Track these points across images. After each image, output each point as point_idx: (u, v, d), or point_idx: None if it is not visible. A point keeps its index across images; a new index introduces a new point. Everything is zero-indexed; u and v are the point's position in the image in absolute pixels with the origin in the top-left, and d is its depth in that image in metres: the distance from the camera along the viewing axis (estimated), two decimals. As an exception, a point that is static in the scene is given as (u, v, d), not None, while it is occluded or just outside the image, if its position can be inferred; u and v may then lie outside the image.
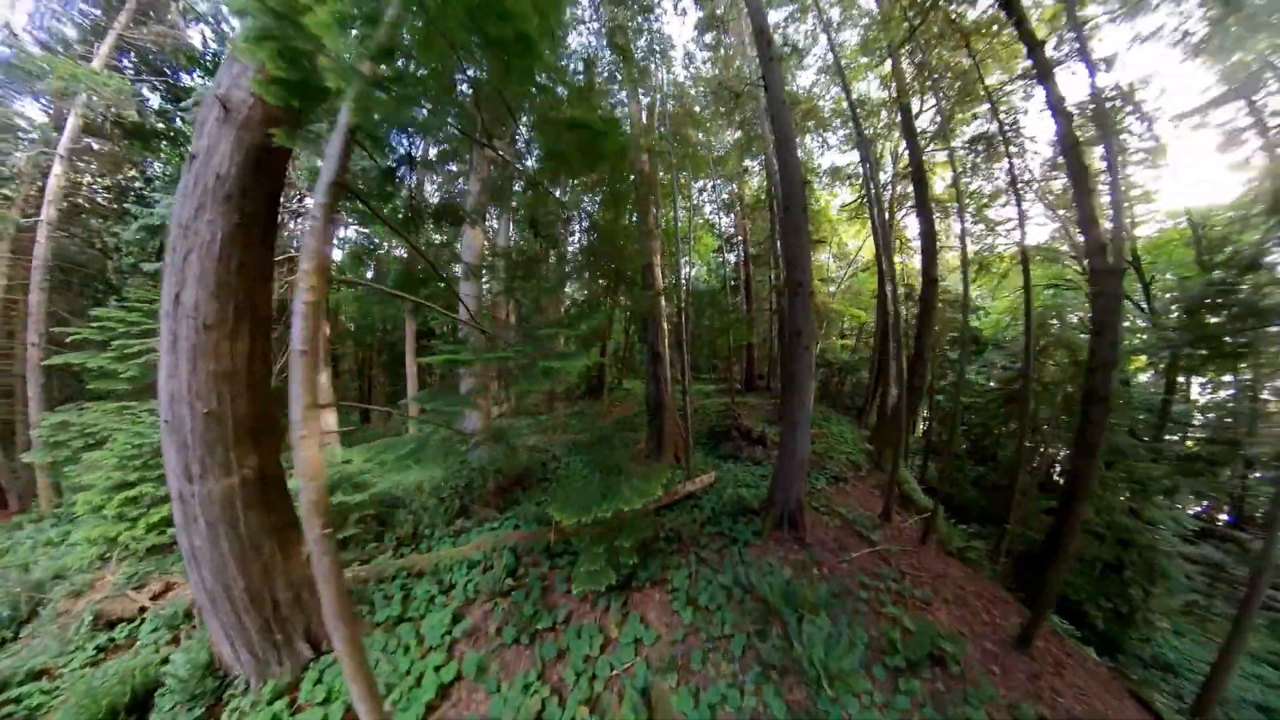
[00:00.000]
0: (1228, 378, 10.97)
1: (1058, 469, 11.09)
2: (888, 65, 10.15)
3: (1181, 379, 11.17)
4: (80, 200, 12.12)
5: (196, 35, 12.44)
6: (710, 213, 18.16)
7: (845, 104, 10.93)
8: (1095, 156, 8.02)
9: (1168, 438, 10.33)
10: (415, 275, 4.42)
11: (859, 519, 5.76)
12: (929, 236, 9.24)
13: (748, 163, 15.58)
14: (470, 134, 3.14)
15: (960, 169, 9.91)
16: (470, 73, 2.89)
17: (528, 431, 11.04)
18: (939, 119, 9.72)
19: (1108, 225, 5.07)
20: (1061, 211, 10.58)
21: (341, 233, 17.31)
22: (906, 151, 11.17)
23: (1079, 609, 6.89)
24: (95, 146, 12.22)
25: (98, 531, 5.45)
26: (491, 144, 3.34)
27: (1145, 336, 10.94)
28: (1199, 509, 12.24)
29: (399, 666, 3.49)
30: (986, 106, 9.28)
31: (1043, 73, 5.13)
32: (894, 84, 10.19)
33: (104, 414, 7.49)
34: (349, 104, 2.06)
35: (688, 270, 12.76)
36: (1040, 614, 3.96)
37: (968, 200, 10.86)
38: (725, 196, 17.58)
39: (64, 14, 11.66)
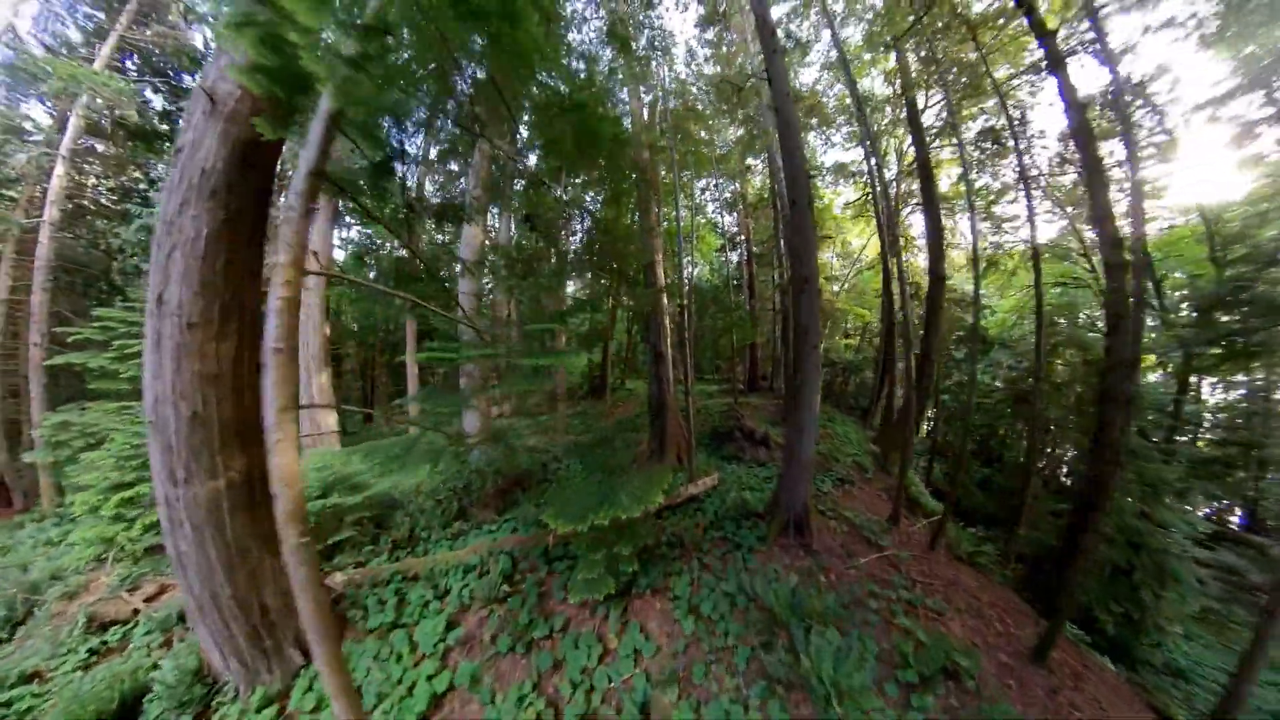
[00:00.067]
0: (1240, 377, 10.74)
1: (1065, 470, 10.90)
2: (892, 60, 10.01)
3: (1193, 379, 10.94)
4: (85, 202, 12.17)
5: (198, 36, 12.43)
6: (713, 211, 18.05)
7: (849, 100, 10.81)
8: (1104, 151, 7.84)
9: (1179, 439, 10.10)
10: (412, 273, 4.34)
11: (866, 524, 5.60)
12: (936, 233, 9.09)
13: (750, 161, 15.45)
14: (464, 124, 3.04)
15: (968, 163, 9.74)
16: (459, 59, 2.79)
17: (528, 432, 10.92)
18: (945, 114, 9.56)
19: (1121, 220, 4.92)
20: (1070, 209, 10.39)
21: (342, 233, 17.35)
22: (912, 147, 11.03)
23: (1088, 613, 6.71)
24: (99, 149, 12.26)
25: (94, 532, 5.39)
26: (485, 134, 3.23)
27: (1155, 335, 10.73)
28: (1208, 510, 11.99)
29: (391, 675, 3.39)
30: (993, 102, 9.13)
31: (1055, 63, 4.99)
32: (899, 79, 10.04)
33: (104, 414, 7.47)
34: (329, 88, 1.96)
35: (690, 270, 12.62)
36: (1058, 626, 3.81)
37: (975, 197, 10.69)
38: (728, 195, 17.47)
39: (67, 16, 11.70)
